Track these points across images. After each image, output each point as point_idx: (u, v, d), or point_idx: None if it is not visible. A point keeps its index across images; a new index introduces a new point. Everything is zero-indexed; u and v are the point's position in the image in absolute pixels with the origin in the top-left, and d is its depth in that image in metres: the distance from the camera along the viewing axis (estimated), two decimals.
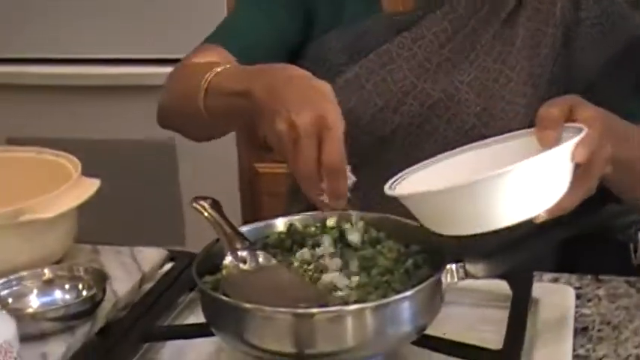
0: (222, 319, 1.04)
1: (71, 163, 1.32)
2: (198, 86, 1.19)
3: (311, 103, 1.01)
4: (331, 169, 1.02)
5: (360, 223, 1.17)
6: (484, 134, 1.26)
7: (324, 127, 1.01)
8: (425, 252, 1.12)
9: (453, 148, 1.15)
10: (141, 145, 2.42)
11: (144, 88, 2.29)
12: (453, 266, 1.07)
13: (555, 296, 1.18)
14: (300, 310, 0.99)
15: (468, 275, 1.07)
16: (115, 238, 2.42)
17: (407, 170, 1.11)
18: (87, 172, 1.29)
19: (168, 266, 1.29)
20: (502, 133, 1.13)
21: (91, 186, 1.26)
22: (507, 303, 1.16)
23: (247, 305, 1.01)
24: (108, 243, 1.33)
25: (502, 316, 1.15)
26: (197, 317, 1.18)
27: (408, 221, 1.15)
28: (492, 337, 1.11)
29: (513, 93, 1.32)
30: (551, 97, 1.28)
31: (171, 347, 1.14)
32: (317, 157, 1.01)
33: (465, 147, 1.12)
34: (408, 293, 1.00)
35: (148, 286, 1.24)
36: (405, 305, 1.00)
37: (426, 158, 1.14)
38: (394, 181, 1.09)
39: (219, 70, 1.19)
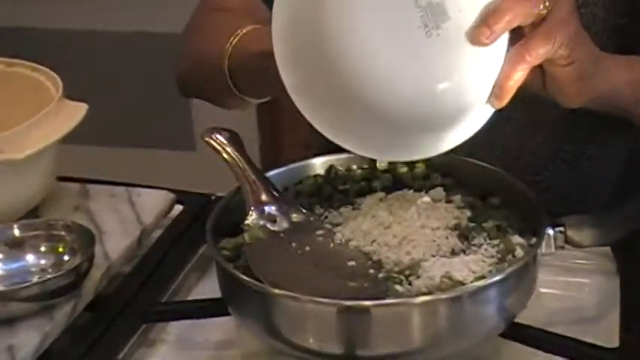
0: (245, 303, 0.79)
1: (50, 81, 1.04)
2: (222, 51, 0.95)
3: None
4: None
5: (421, 166, 0.91)
6: None
7: None
8: (508, 207, 0.85)
9: None
10: (140, 38, 2.15)
11: None
12: (551, 231, 0.81)
13: None
14: (349, 303, 0.74)
15: (569, 243, 0.81)
16: (115, 141, 2.23)
17: None
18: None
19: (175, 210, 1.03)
20: None
21: (75, 112, 0.99)
22: (603, 264, 0.92)
23: (277, 291, 0.75)
24: (99, 179, 1.07)
25: (599, 281, 0.91)
26: (211, 281, 0.93)
27: (484, 164, 0.89)
28: (587, 309, 0.88)
29: None
30: None
31: (179, 324, 0.89)
32: None
33: None
34: (495, 278, 0.75)
35: (149, 240, 0.98)
36: (491, 294, 0.75)
37: None
38: None
39: (245, 31, 0.95)
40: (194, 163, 2.17)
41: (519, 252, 0.79)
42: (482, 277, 0.76)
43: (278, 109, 2.06)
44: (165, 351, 0.87)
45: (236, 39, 0.95)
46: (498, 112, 1.04)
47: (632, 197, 0.83)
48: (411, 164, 0.91)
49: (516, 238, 0.81)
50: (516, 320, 0.79)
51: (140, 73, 2.24)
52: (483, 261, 0.79)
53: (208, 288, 0.92)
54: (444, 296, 0.73)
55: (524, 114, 1.04)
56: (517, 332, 0.79)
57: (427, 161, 0.90)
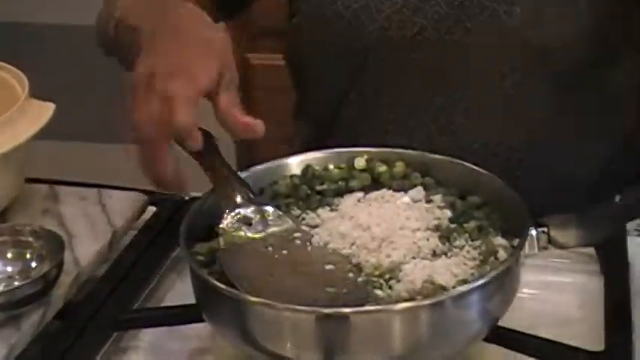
0: (220, 310, 0.77)
1: (16, 79, 1.01)
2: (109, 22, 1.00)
3: (183, 67, 0.80)
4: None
5: (400, 165, 0.88)
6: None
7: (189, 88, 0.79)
8: (489, 206, 0.83)
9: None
10: None
11: None
12: (534, 232, 0.78)
13: None
14: (328, 310, 0.71)
15: (552, 243, 0.79)
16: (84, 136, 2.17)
17: None
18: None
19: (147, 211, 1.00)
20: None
21: (43, 112, 0.96)
22: (587, 264, 0.90)
23: (253, 299, 0.73)
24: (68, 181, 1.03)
25: (582, 282, 0.89)
26: (185, 285, 0.89)
27: (465, 163, 0.87)
28: (570, 310, 0.86)
29: None
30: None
31: (152, 331, 0.86)
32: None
33: None
34: (478, 282, 0.72)
35: (120, 243, 0.95)
36: (474, 298, 0.72)
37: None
38: None
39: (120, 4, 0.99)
40: None
41: (502, 254, 0.77)
42: (465, 281, 0.74)
43: (252, 105, 2.03)
44: (137, 359, 0.84)
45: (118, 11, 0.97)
46: (478, 108, 1.02)
47: (615, 196, 0.80)
48: (389, 163, 0.88)
49: (498, 240, 0.79)
50: (499, 323, 0.77)
51: (109, 66, 2.20)
52: (465, 263, 0.76)
53: (183, 292, 0.88)
54: (425, 302, 0.71)
55: (504, 110, 1.02)
56: (500, 336, 0.76)
57: (406, 160, 0.88)
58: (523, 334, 0.77)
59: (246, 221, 0.82)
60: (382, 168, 0.88)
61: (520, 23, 0.98)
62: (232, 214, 0.82)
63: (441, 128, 1.03)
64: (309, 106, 1.16)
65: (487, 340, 0.77)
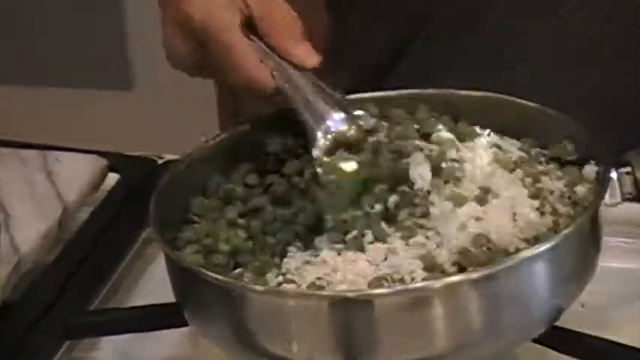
0: (208, 307, 0.59)
1: None
2: None
3: None
4: None
5: (423, 109, 0.70)
6: None
7: None
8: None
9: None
10: None
11: None
12: (614, 174, 0.61)
13: None
14: (349, 294, 0.54)
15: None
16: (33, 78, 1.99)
17: None
18: None
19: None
20: None
21: None
22: None
23: (252, 286, 0.57)
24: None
25: None
26: (158, 274, 0.72)
27: (506, 96, 0.69)
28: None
29: None
30: None
31: (115, 337, 0.70)
32: None
33: None
34: (547, 245, 0.54)
35: (73, 222, 0.79)
36: (540, 267, 0.55)
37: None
38: None
39: None
40: (131, 106, 1.94)
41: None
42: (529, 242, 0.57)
43: None
44: None
45: None
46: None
47: None
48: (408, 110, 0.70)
49: None
50: None
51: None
52: None
53: (156, 285, 0.74)
54: (474, 275, 0.53)
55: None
56: (556, 339, 0.58)
57: (429, 102, 0.70)
58: (587, 336, 0.59)
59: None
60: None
61: None
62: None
63: None
64: (351, 58, 0.98)
65: (539, 341, 0.59)
